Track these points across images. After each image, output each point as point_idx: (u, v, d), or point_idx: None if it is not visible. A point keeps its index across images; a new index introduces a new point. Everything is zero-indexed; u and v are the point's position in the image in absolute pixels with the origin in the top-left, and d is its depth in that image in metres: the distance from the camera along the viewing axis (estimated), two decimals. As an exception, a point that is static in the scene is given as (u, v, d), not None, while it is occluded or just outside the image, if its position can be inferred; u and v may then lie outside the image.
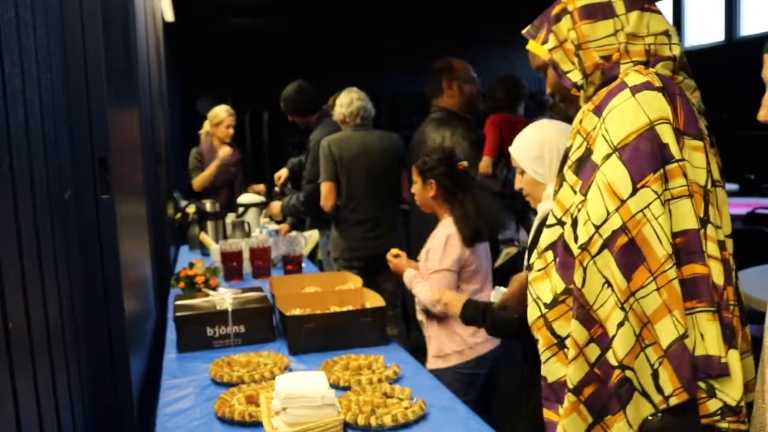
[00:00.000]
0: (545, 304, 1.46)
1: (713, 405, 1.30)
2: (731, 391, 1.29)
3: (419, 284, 2.79)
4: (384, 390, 2.08)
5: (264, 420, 1.79)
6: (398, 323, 4.03)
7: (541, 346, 1.47)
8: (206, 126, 5.33)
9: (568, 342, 1.40)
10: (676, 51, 1.51)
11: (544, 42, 1.61)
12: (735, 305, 1.35)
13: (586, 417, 1.36)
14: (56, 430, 1.57)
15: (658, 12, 1.53)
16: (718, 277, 1.33)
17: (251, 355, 2.42)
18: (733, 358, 1.31)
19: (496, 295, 2.00)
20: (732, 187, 8.48)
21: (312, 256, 4.66)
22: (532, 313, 1.50)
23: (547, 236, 1.54)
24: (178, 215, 4.86)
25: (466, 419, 1.95)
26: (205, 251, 4.27)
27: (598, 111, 1.48)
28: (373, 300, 2.74)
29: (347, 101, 4.12)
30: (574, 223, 1.43)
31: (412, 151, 3.63)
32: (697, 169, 1.39)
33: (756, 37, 10.37)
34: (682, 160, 1.37)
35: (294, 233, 4.43)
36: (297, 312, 2.67)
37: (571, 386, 1.36)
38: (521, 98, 4.25)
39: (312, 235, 4.73)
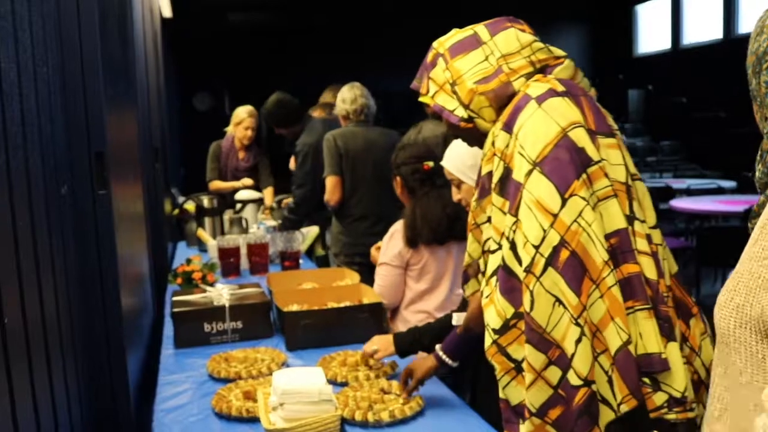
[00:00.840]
0: (494, 330, 1.42)
1: (659, 398, 1.31)
2: (675, 383, 1.31)
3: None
4: (381, 386, 2.08)
5: (261, 415, 1.79)
6: None
7: (498, 372, 1.43)
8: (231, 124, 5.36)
9: (524, 366, 1.37)
10: (558, 51, 1.53)
11: (427, 91, 1.62)
12: (668, 296, 1.35)
13: None
14: (53, 426, 1.57)
15: (521, 25, 1.57)
16: (650, 272, 1.34)
17: (248, 351, 2.42)
18: (673, 351, 1.32)
19: (457, 319, 1.99)
20: (730, 184, 8.50)
21: (310, 252, 4.66)
22: (486, 340, 1.45)
23: (492, 262, 1.49)
24: (176, 211, 4.85)
25: (463, 415, 1.95)
26: (202, 247, 4.27)
27: (507, 128, 1.47)
28: (371, 296, 2.74)
29: (351, 97, 4.13)
30: (513, 246, 1.40)
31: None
32: (616, 167, 1.40)
33: (754, 34, 10.36)
34: (601, 160, 1.38)
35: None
36: (294, 308, 2.67)
37: (533, 410, 1.34)
38: None
39: (310, 232, 4.72)
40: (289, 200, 4.90)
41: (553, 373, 1.32)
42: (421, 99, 1.64)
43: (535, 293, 1.32)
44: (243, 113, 5.25)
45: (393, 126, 4.55)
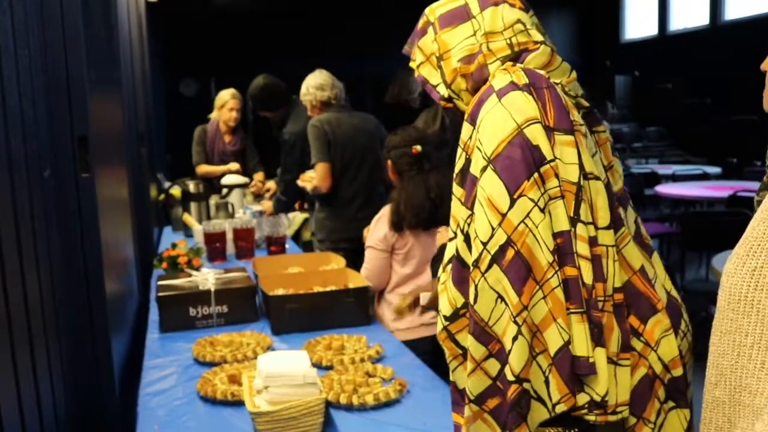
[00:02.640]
0: (445, 317, 1.44)
1: (581, 399, 1.33)
2: (597, 387, 1.32)
3: None
4: (366, 369, 2.09)
5: (246, 399, 1.79)
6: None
7: (448, 356, 1.47)
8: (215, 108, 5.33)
9: (467, 355, 1.39)
10: (536, 35, 1.49)
11: (415, 59, 1.60)
12: (605, 300, 1.35)
13: (493, 426, 1.37)
14: (36, 411, 1.57)
15: (515, 5, 1.51)
16: (587, 276, 1.34)
17: (234, 335, 2.42)
18: (600, 356, 1.32)
19: (423, 298, 2.04)
20: (714, 170, 8.55)
21: (296, 237, 4.66)
22: (438, 325, 1.47)
23: (448, 251, 1.50)
24: (162, 196, 4.84)
25: (446, 397, 1.96)
26: (188, 232, 4.26)
27: (471, 120, 1.46)
28: (356, 280, 2.74)
29: (328, 83, 4.13)
30: (467, 238, 1.42)
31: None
32: (569, 166, 1.37)
33: (740, 21, 10.40)
34: (554, 159, 1.36)
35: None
36: (280, 292, 2.67)
37: (472, 397, 1.37)
38: None
39: (296, 217, 4.72)
40: (271, 184, 4.91)
41: (492, 366, 1.36)
42: (411, 65, 1.62)
43: (479, 288, 1.35)
44: (226, 95, 5.23)
45: (378, 111, 4.54)
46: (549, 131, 1.37)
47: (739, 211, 5.39)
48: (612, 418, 1.33)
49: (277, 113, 4.71)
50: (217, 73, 10.56)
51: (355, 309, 2.59)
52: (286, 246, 3.83)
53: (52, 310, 1.79)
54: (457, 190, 1.48)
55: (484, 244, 1.34)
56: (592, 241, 1.35)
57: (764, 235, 1.04)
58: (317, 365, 2.13)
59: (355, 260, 3.44)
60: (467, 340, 1.39)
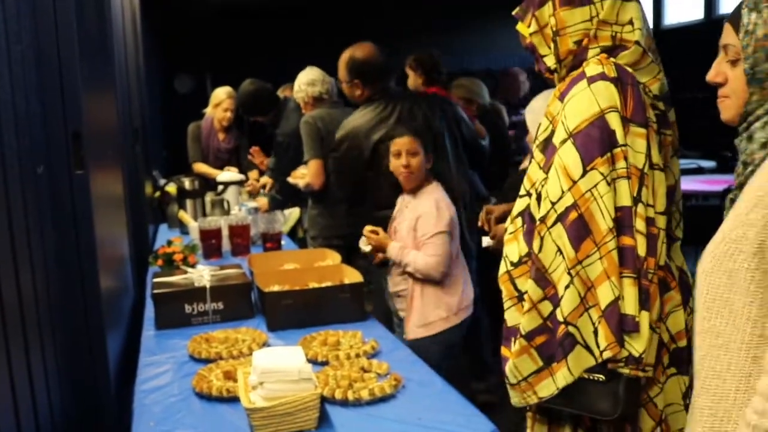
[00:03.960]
0: (512, 263, 1.69)
1: (621, 353, 1.49)
2: (637, 345, 1.48)
3: (411, 253, 2.79)
4: (361, 365, 2.09)
5: (241, 395, 1.79)
6: (373, 299, 4.04)
7: (504, 296, 1.70)
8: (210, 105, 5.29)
9: (525, 296, 1.61)
10: (638, 36, 1.64)
11: (529, 25, 1.74)
12: (654, 273, 1.53)
13: (536, 360, 1.58)
14: (31, 408, 1.56)
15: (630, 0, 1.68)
16: (642, 249, 1.52)
17: (229, 332, 2.42)
18: (644, 319, 1.49)
19: (486, 242, 2.41)
20: (709, 164, 8.56)
21: (292, 233, 4.65)
22: (501, 268, 1.71)
23: (518, 205, 1.73)
24: (157, 193, 4.82)
25: (441, 392, 1.96)
26: (184, 229, 4.25)
27: (561, 97, 1.65)
28: (352, 276, 2.74)
29: (319, 78, 4.13)
30: (539, 197, 1.63)
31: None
32: (638, 154, 1.57)
33: (735, 15, 10.39)
34: (625, 145, 1.55)
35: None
36: (276, 288, 2.67)
37: (523, 332, 1.58)
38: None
39: (292, 213, 4.71)
40: (265, 179, 4.89)
41: (546, 307, 1.57)
42: (518, 27, 1.77)
43: (544, 240, 1.57)
44: (222, 94, 5.19)
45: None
46: (625, 121, 1.57)
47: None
48: (642, 374, 1.50)
49: (267, 116, 4.69)
50: (212, 69, 10.53)
51: (350, 305, 2.59)
52: (282, 242, 3.82)
53: (47, 307, 1.79)
54: (537, 155, 1.70)
55: (553, 204, 1.56)
56: (650, 221, 1.55)
57: (744, 237, 1.09)
58: (312, 361, 2.13)
59: (348, 257, 3.43)
60: (525, 285, 1.62)
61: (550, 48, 1.70)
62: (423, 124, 3.21)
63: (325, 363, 2.15)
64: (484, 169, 3.81)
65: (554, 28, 1.68)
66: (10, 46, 1.55)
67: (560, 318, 1.52)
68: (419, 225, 2.80)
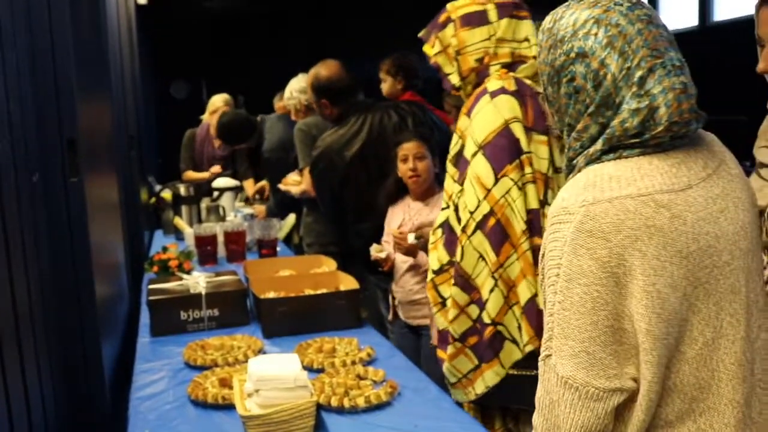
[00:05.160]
0: (434, 271, 1.84)
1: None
2: None
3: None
4: (357, 372, 2.09)
5: (237, 402, 1.78)
6: (368, 307, 4.02)
7: (430, 302, 1.86)
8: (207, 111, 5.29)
9: (448, 302, 1.76)
10: (535, 51, 1.77)
11: (433, 46, 1.89)
12: None
13: (472, 359, 1.73)
14: (25, 416, 1.56)
15: (526, 18, 1.84)
16: None
17: (225, 339, 2.41)
18: None
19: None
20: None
21: (287, 240, 4.64)
22: (428, 277, 1.87)
23: (440, 217, 1.88)
24: (153, 200, 4.81)
25: (437, 399, 1.96)
26: (179, 236, 4.24)
27: (468, 113, 1.80)
28: (347, 283, 2.73)
29: None
30: (456, 208, 1.77)
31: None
32: (541, 160, 1.72)
33: (729, 22, 10.45)
34: (530, 152, 1.70)
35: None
36: (271, 295, 2.66)
37: (456, 336, 1.73)
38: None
39: (287, 220, 4.71)
40: (261, 184, 4.89)
41: (473, 311, 1.72)
42: (424, 49, 1.91)
43: (465, 248, 1.70)
44: (219, 101, 5.19)
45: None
46: (527, 130, 1.72)
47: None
48: None
49: (249, 142, 4.68)
50: (208, 75, 10.54)
51: (346, 312, 2.58)
52: (278, 249, 3.81)
53: (42, 314, 1.78)
54: (450, 169, 1.82)
55: (471, 213, 1.68)
56: None
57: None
58: (308, 368, 2.12)
59: (344, 264, 3.42)
60: (448, 291, 1.76)
61: (453, 66, 1.85)
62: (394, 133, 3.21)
63: (320, 370, 2.15)
64: None
65: (456, 48, 1.83)
66: (5, 54, 1.55)
67: (487, 320, 1.68)
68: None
